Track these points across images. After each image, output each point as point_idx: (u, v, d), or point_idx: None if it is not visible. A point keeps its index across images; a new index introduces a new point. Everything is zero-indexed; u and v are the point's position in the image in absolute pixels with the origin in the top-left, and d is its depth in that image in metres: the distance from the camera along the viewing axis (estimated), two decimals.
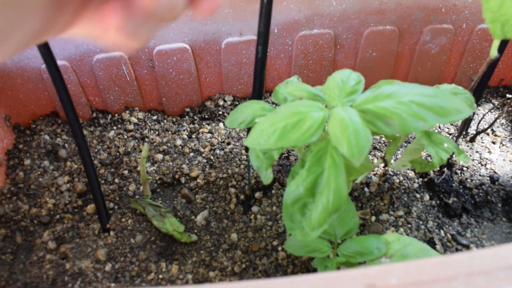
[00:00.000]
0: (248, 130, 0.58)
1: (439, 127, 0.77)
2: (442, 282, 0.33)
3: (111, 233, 0.62)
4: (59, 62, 0.69)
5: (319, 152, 0.44)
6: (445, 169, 0.68)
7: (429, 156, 0.70)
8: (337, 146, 0.40)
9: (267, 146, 0.43)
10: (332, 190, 0.42)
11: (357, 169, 0.50)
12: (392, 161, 0.70)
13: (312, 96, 0.48)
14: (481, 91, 0.67)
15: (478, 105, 0.80)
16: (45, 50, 0.52)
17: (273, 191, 0.64)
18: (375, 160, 0.69)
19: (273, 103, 0.57)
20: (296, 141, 0.42)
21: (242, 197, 0.64)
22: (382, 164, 0.69)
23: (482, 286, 0.33)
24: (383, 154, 0.70)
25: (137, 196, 0.65)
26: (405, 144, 0.72)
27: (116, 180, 0.68)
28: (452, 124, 0.76)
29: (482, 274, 0.34)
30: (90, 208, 0.65)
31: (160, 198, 0.66)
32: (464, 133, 0.74)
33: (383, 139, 0.74)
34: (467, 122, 0.71)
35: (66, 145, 0.73)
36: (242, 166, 0.67)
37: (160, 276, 0.57)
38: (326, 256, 0.53)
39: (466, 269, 0.34)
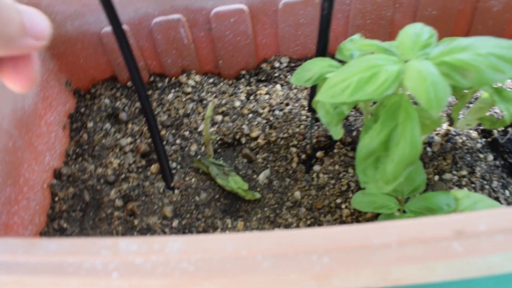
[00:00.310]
0: (312, 90, 0.58)
1: (501, 87, 0.75)
2: None
3: (176, 191, 0.63)
4: None
5: (392, 106, 0.44)
6: (510, 128, 0.66)
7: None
8: (415, 97, 0.39)
9: (341, 100, 0.43)
10: (408, 143, 0.42)
11: (427, 125, 0.50)
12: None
13: (383, 50, 0.47)
14: None
15: None
16: (111, 11, 0.53)
17: (335, 150, 0.64)
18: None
19: (338, 60, 0.57)
20: (371, 94, 0.42)
21: (303, 156, 0.65)
22: (445, 124, 0.68)
23: None
24: (445, 114, 0.69)
25: (199, 156, 0.67)
26: (468, 106, 0.71)
27: (178, 141, 0.69)
28: None
29: None
30: (154, 167, 0.66)
31: (221, 159, 0.67)
32: None
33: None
34: None
35: (126, 108, 0.75)
36: (302, 126, 0.67)
37: (227, 232, 0.59)
38: (392, 213, 0.54)
39: None
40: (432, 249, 0.32)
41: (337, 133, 0.50)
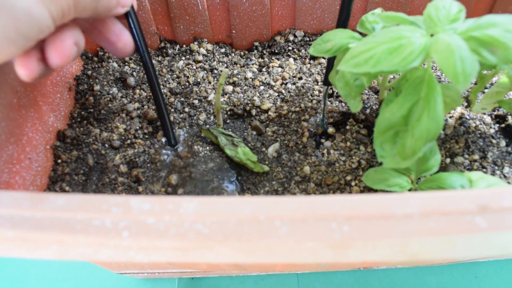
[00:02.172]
0: (329, 63, 0.57)
1: None
2: None
3: (183, 159, 0.62)
4: None
5: (415, 80, 0.43)
6: None
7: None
8: (442, 71, 0.38)
9: (364, 70, 0.42)
10: (430, 118, 0.41)
11: (447, 103, 0.48)
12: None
13: (409, 23, 0.46)
14: None
15: None
16: None
17: (347, 127, 0.63)
18: None
19: (359, 33, 0.55)
20: (396, 66, 0.41)
21: (314, 131, 0.64)
22: (459, 108, 0.67)
23: None
24: (465, 96, 0.68)
25: (208, 126, 0.65)
26: (484, 90, 0.70)
27: (186, 109, 0.68)
28: None
29: None
30: (161, 134, 0.65)
31: (230, 129, 0.66)
32: None
33: None
34: None
35: (134, 73, 0.73)
36: (314, 101, 0.66)
37: None
38: (405, 191, 0.53)
39: None
40: (455, 223, 0.31)
41: (355, 105, 0.48)
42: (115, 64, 0.74)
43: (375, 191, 0.58)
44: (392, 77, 0.67)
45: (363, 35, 0.58)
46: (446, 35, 0.41)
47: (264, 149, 0.63)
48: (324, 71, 0.71)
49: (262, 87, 0.69)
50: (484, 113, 0.66)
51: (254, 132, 0.65)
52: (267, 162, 0.61)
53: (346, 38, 0.50)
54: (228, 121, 0.67)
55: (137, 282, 0.69)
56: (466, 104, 0.66)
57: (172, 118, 0.67)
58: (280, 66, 0.72)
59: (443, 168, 0.60)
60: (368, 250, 0.32)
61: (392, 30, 0.43)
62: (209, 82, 0.71)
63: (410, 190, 0.53)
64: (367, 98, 0.67)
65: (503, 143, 0.63)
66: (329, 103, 0.66)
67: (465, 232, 0.31)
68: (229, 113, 0.67)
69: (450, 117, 0.65)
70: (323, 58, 0.74)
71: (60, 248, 0.33)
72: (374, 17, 0.53)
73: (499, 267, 0.70)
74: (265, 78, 0.70)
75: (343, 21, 0.53)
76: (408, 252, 0.32)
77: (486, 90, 0.69)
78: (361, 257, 0.33)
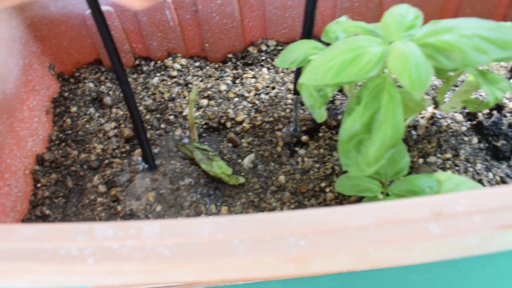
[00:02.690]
0: (297, 73, 0.58)
1: (487, 70, 0.74)
2: (508, 210, 0.33)
3: (160, 176, 0.63)
4: (103, 7, 0.68)
5: (375, 88, 0.44)
6: (495, 111, 0.66)
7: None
8: (398, 79, 0.39)
9: (324, 82, 0.42)
10: (390, 125, 0.41)
11: (411, 108, 0.49)
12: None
13: (368, 32, 0.47)
14: None
15: None
16: None
17: (320, 134, 0.64)
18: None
19: (323, 43, 0.56)
20: (354, 76, 0.41)
21: (288, 140, 0.64)
22: (430, 108, 0.67)
23: None
24: (430, 97, 0.69)
25: (184, 141, 0.66)
26: (453, 89, 0.71)
27: (162, 125, 0.69)
28: (502, 66, 0.74)
29: None
30: (138, 152, 0.66)
31: (206, 143, 0.66)
32: None
33: (430, 82, 0.72)
34: None
35: (111, 92, 0.74)
36: (287, 110, 0.67)
37: (211, 217, 0.58)
38: (376, 196, 0.53)
39: None
40: (409, 231, 0.32)
41: (320, 116, 0.49)
42: (91, 84, 0.75)
43: (350, 196, 0.59)
44: (360, 83, 0.68)
45: (328, 44, 0.59)
46: (402, 43, 0.42)
47: (240, 160, 0.64)
48: None
49: (236, 99, 0.70)
50: (455, 112, 0.67)
51: (230, 144, 0.65)
52: (243, 174, 0.62)
53: (309, 49, 0.51)
54: (204, 134, 0.68)
55: None
56: (434, 105, 0.67)
57: (149, 135, 0.67)
58: (253, 76, 0.73)
59: (416, 169, 0.61)
60: (328, 262, 0.33)
61: (350, 41, 0.44)
62: (184, 97, 0.71)
63: (382, 193, 0.53)
64: (340, 104, 0.68)
65: (475, 140, 0.64)
66: (301, 111, 0.67)
67: (420, 239, 0.31)
68: (204, 126, 0.68)
69: (422, 117, 0.66)
70: None
71: (32, 277, 0.34)
72: (336, 26, 0.54)
73: (483, 260, 0.71)
74: (239, 90, 0.71)
75: (307, 32, 0.54)
76: (367, 261, 0.33)
77: (457, 88, 0.70)
78: (323, 268, 0.34)
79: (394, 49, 0.41)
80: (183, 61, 0.76)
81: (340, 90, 0.71)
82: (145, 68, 0.76)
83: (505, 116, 0.66)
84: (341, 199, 0.59)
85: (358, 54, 0.42)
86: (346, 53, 0.42)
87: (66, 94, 0.74)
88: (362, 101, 0.44)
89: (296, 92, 0.59)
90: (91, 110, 0.72)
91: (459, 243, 0.33)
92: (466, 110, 0.67)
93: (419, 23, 0.45)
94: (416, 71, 0.39)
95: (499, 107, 0.67)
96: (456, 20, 0.43)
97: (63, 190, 0.64)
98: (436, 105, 0.58)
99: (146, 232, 0.33)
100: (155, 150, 0.66)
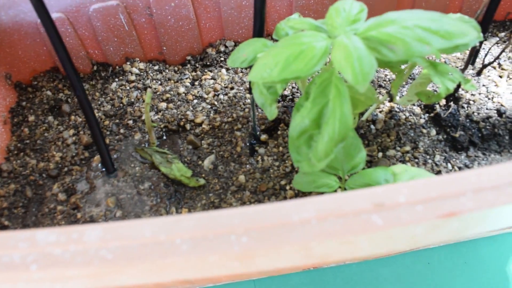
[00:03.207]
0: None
1: (445, 63, 0.75)
2: (450, 198, 0.33)
3: (120, 181, 0.62)
4: (55, 15, 0.68)
5: (323, 83, 0.44)
6: (452, 103, 0.67)
7: (436, 90, 0.69)
8: (341, 73, 0.39)
9: (270, 79, 0.42)
10: (337, 119, 0.42)
11: (362, 101, 0.50)
12: (398, 97, 0.69)
13: (314, 28, 0.47)
14: (486, 24, 0.65)
15: (485, 39, 0.78)
16: (37, 1, 0.51)
17: (279, 132, 0.64)
18: (381, 97, 0.69)
19: (275, 40, 0.56)
20: (299, 71, 0.41)
21: (248, 140, 0.64)
22: (388, 101, 0.68)
23: (491, 201, 0.33)
24: (387, 90, 0.69)
25: (143, 145, 0.65)
26: (410, 81, 0.72)
27: (122, 131, 0.68)
28: (458, 58, 0.75)
29: (490, 189, 0.33)
30: (97, 159, 0.65)
31: (166, 146, 0.66)
32: (471, 67, 0.73)
33: (388, 76, 0.73)
34: (473, 54, 0.69)
35: (69, 99, 0.73)
36: (246, 110, 0.67)
37: None
38: (334, 191, 0.54)
39: (474, 185, 0.34)
40: (352, 223, 0.31)
41: (271, 113, 0.49)
42: (49, 93, 0.74)
43: (310, 193, 0.59)
44: None
45: None
46: (345, 37, 0.42)
47: (200, 162, 0.63)
48: None
49: (195, 101, 0.70)
50: (414, 104, 0.68)
51: (190, 146, 0.65)
52: (203, 175, 0.62)
53: (259, 47, 0.51)
54: (164, 137, 0.67)
55: None
56: (389, 99, 0.67)
57: (108, 141, 0.67)
58: (212, 78, 0.73)
59: (376, 163, 0.61)
60: (274, 258, 0.33)
61: (295, 37, 0.44)
62: (143, 101, 0.71)
63: (340, 188, 0.54)
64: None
65: (433, 132, 0.65)
66: (260, 110, 0.67)
67: (363, 231, 0.31)
68: (164, 130, 0.67)
69: (380, 111, 0.66)
70: None
71: None
72: (286, 24, 0.54)
73: (451, 251, 0.71)
74: (198, 92, 0.70)
75: (258, 30, 0.54)
76: (314, 255, 0.33)
77: (414, 80, 0.70)
78: (270, 264, 0.34)
79: (337, 44, 0.42)
80: (142, 65, 0.75)
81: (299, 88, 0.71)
82: (103, 74, 0.75)
83: (462, 107, 0.67)
84: (301, 196, 0.58)
85: (302, 49, 0.42)
86: (291, 49, 0.42)
87: (23, 103, 0.73)
88: (310, 96, 0.44)
89: (251, 91, 0.59)
90: (50, 118, 0.71)
91: (404, 234, 0.33)
92: (424, 103, 0.68)
93: (364, 17, 0.46)
94: (359, 65, 0.39)
95: (456, 99, 0.68)
96: (399, 12, 0.44)
97: (22, 200, 0.63)
98: (391, 98, 0.58)
99: (88, 236, 0.33)
100: (115, 156, 0.65)
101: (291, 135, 0.44)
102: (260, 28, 0.54)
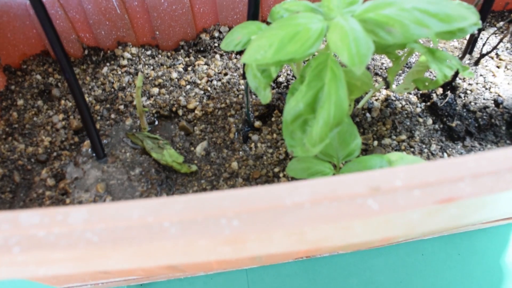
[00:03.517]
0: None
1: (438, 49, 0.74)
2: (448, 183, 0.32)
3: (110, 167, 0.61)
4: None
5: (318, 66, 0.43)
6: (449, 92, 0.66)
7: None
8: (337, 55, 0.38)
9: (264, 61, 0.41)
10: (333, 103, 0.40)
11: (358, 87, 0.48)
12: (394, 86, 0.68)
13: (310, 10, 0.46)
14: (485, 14, 0.64)
15: (483, 29, 0.77)
16: None
17: (273, 119, 0.63)
18: (377, 85, 0.68)
19: (269, 24, 0.55)
20: (294, 53, 0.40)
21: (241, 126, 0.63)
22: (384, 90, 0.67)
23: (489, 187, 0.32)
24: (383, 77, 0.68)
25: (134, 130, 0.64)
26: (407, 70, 0.71)
27: (112, 116, 0.66)
28: (456, 47, 0.74)
29: (489, 175, 0.33)
30: (87, 144, 0.64)
31: (158, 132, 0.65)
32: (468, 56, 0.72)
33: (384, 65, 0.72)
34: (471, 43, 0.68)
35: (59, 84, 0.72)
36: (240, 96, 0.65)
37: None
38: None
39: (472, 170, 0.33)
40: (347, 207, 0.30)
41: (265, 97, 0.48)
42: (38, 77, 0.72)
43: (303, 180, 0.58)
44: None
45: None
46: (342, 19, 0.41)
47: (192, 148, 0.62)
48: None
49: (188, 86, 0.68)
50: (410, 93, 0.67)
51: (182, 132, 0.64)
52: (195, 162, 0.61)
53: (254, 30, 0.50)
54: (156, 123, 0.66)
55: None
56: (386, 86, 0.66)
57: (98, 126, 0.65)
58: (206, 63, 0.71)
59: (371, 151, 0.60)
60: (266, 243, 0.32)
61: (290, 18, 0.42)
62: (135, 86, 0.69)
63: (334, 175, 0.52)
64: None
65: (429, 121, 0.64)
66: (254, 96, 0.66)
67: (358, 216, 0.30)
68: (156, 115, 0.66)
69: (376, 99, 0.65)
70: None
71: None
72: (281, 6, 0.53)
73: (444, 243, 0.71)
74: (191, 77, 0.69)
75: (252, 13, 0.53)
76: (306, 240, 0.32)
77: (411, 68, 0.69)
78: (262, 249, 0.33)
79: (334, 25, 0.40)
80: (134, 50, 0.74)
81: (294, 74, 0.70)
82: (94, 58, 0.74)
83: (459, 97, 0.66)
84: None
85: (298, 31, 0.41)
86: (286, 31, 0.41)
87: (12, 87, 0.72)
88: (305, 80, 0.43)
89: (246, 77, 0.58)
90: (39, 102, 0.69)
91: (400, 220, 0.32)
92: (421, 92, 0.67)
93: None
94: (355, 46, 0.38)
95: (453, 88, 0.67)
96: None
97: (10, 185, 0.61)
98: (388, 85, 0.57)
99: (73, 218, 0.31)
100: (105, 141, 0.64)
101: (285, 120, 0.43)
102: (255, 11, 0.53)
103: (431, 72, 0.69)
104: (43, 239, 0.31)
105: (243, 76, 0.57)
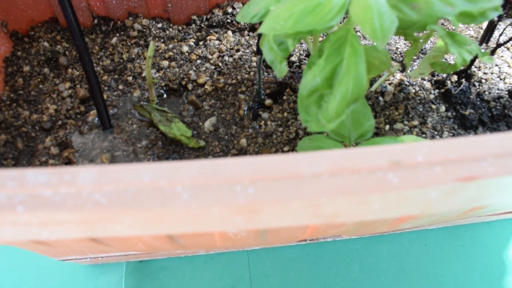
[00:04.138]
0: (259, 36, 0.55)
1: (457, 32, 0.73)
2: (470, 162, 0.31)
3: (116, 138, 0.60)
4: None
5: (338, 40, 0.41)
6: (463, 80, 0.65)
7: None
8: (360, 27, 0.37)
9: (283, 31, 0.40)
10: (351, 78, 0.39)
11: (376, 66, 0.47)
12: (409, 71, 0.67)
13: None
14: (506, 1, 0.63)
15: (499, 19, 0.76)
16: None
17: (284, 97, 0.62)
18: (392, 68, 0.66)
19: None
20: (315, 25, 0.39)
21: (251, 103, 0.62)
22: (398, 74, 0.66)
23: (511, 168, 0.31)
24: (400, 60, 0.67)
25: (142, 102, 0.63)
26: (422, 56, 0.69)
27: (120, 87, 0.65)
28: (472, 36, 0.73)
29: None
30: (93, 113, 0.62)
31: (166, 105, 0.63)
32: (484, 45, 0.70)
33: (399, 50, 0.70)
34: (490, 30, 0.67)
35: (67, 52, 0.70)
36: (252, 73, 0.64)
37: None
38: None
39: (495, 150, 0.32)
40: (366, 180, 0.29)
41: (281, 71, 0.47)
42: (46, 44, 0.71)
43: None
44: None
45: None
46: None
47: (201, 123, 0.61)
48: None
49: (199, 61, 0.67)
50: (424, 79, 0.65)
51: (191, 107, 0.62)
52: (204, 137, 0.59)
53: (272, 2, 0.48)
54: (164, 96, 0.64)
55: (84, 268, 0.66)
56: (401, 70, 0.65)
57: (105, 96, 0.64)
58: (218, 39, 0.70)
59: (382, 135, 0.59)
60: (279, 214, 0.31)
61: None
62: (144, 58, 0.68)
63: None
64: None
65: (442, 108, 0.62)
66: (266, 74, 0.64)
67: (377, 190, 0.29)
68: (165, 88, 0.65)
69: (390, 83, 0.64)
70: None
71: None
72: None
73: (448, 233, 0.70)
74: (202, 52, 0.68)
75: None
76: (322, 214, 0.31)
77: (427, 53, 0.68)
78: (275, 221, 0.32)
79: None
80: (145, 22, 0.72)
81: (308, 54, 0.68)
82: (103, 28, 0.72)
83: (474, 86, 0.65)
84: None
85: (319, 2, 0.40)
86: (307, 1, 0.40)
87: (19, 53, 0.70)
88: (323, 54, 0.42)
89: (260, 52, 0.56)
90: (46, 70, 0.68)
91: (419, 197, 0.31)
92: (435, 78, 0.66)
93: None
94: (379, 20, 0.37)
95: (468, 76, 0.66)
96: None
97: (12, 151, 0.60)
98: (404, 68, 0.56)
99: (82, 178, 0.30)
100: (112, 112, 0.63)
101: (301, 94, 0.42)
102: None
103: (446, 59, 0.67)
104: (49, 199, 0.30)
105: (257, 52, 0.56)
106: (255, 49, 0.67)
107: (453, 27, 0.72)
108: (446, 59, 0.67)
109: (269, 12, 0.47)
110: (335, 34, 0.42)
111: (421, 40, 0.54)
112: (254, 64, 0.65)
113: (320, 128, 0.41)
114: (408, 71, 0.64)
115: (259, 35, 0.55)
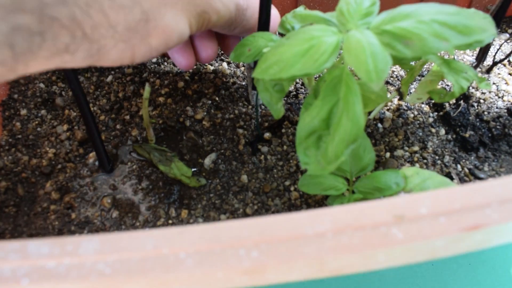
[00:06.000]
0: (254, 65, 0.55)
1: (453, 59, 0.73)
2: (475, 210, 0.31)
3: (116, 180, 0.59)
4: None
5: (333, 80, 0.41)
6: (461, 101, 0.65)
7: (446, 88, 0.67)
8: (354, 70, 0.37)
9: (277, 76, 0.40)
10: (349, 119, 0.39)
11: (372, 100, 0.47)
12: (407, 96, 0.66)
13: (324, 21, 0.44)
14: (498, 21, 0.63)
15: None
16: None
17: (283, 130, 0.61)
18: (389, 95, 0.66)
19: (280, 35, 0.54)
20: (309, 68, 0.39)
21: (250, 138, 0.62)
22: (396, 99, 0.65)
23: None
24: (395, 88, 0.67)
25: (140, 141, 0.63)
26: (419, 79, 0.69)
27: (118, 126, 0.65)
28: (468, 55, 0.73)
29: None
30: (93, 155, 0.62)
31: (164, 143, 0.63)
32: (480, 64, 0.70)
33: (395, 73, 0.70)
34: (485, 51, 0.67)
35: (63, 92, 0.70)
36: (249, 106, 0.64)
37: (170, 221, 0.55)
38: (341, 193, 0.51)
39: (499, 196, 0.32)
40: (370, 237, 0.29)
41: (277, 112, 0.47)
42: (42, 85, 0.70)
43: (315, 195, 0.56)
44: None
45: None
46: (357, 32, 0.40)
47: (200, 160, 0.61)
48: None
49: (195, 96, 0.67)
50: (422, 103, 0.65)
51: (190, 144, 0.62)
52: (204, 174, 0.59)
53: (264, 42, 0.48)
54: (162, 134, 0.64)
55: None
56: (399, 97, 0.65)
57: (103, 137, 0.64)
58: (213, 72, 0.70)
59: (383, 163, 0.59)
60: (285, 272, 0.30)
61: (303, 31, 0.41)
62: (140, 95, 0.68)
63: (347, 191, 0.51)
64: (304, 98, 0.66)
65: (442, 131, 0.62)
66: (263, 107, 0.64)
67: (382, 245, 0.29)
68: (162, 126, 0.64)
69: (388, 109, 0.64)
70: None
71: None
72: (293, 17, 0.51)
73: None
74: (198, 86, 0.68)
75: (263, 24, 0.52)
76: (327, 269, 0.31)
77: (424, 77, 0.68)
78: (281, 278, 0.31)
79: (349, 39, 0.39)
80: None
81: (304, 84, 0.68)
82: (98, 67, 0.72)
83: (472, 106, 0.65)
84: (306, 198, 0.56)
85: (311, 45, 0.39)
86: (299, 44, 0.40)
87: (15, 96, 0.70)
88: (319, 94, 0.42)
89: (255, 88, 0.56)
90: (43, 112, 0.68)
91: (424, 247, 0.30)
92: (433, 101, 0.65)
93: (376, 10, 0.43)
94: (372, 62, 0.36)
95: (466, 97, 0.66)
96: (414, 5, 0.41)
97: (13, 198, 0.60)
98: (401, 96, 0.56)
99: (84, 248, 0.30)
100: (111, 152, 0.62)
101: (299, 136, 0.42)
102: (266, 21, 0.51)
103: (443, 81, 0.67)
104: (53, 271, 0.30)
105: (252, 88, 0.56)
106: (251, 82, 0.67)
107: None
108: (443, 82, 0.67)
109: (261, 53, 0.47)
110: (329, 73, 0.42)
111: (416, 69, 0.54)
112: (251, 97, 0.65)
113: (320, 171, 0.41)
114: (406, 97, 0.64)
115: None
